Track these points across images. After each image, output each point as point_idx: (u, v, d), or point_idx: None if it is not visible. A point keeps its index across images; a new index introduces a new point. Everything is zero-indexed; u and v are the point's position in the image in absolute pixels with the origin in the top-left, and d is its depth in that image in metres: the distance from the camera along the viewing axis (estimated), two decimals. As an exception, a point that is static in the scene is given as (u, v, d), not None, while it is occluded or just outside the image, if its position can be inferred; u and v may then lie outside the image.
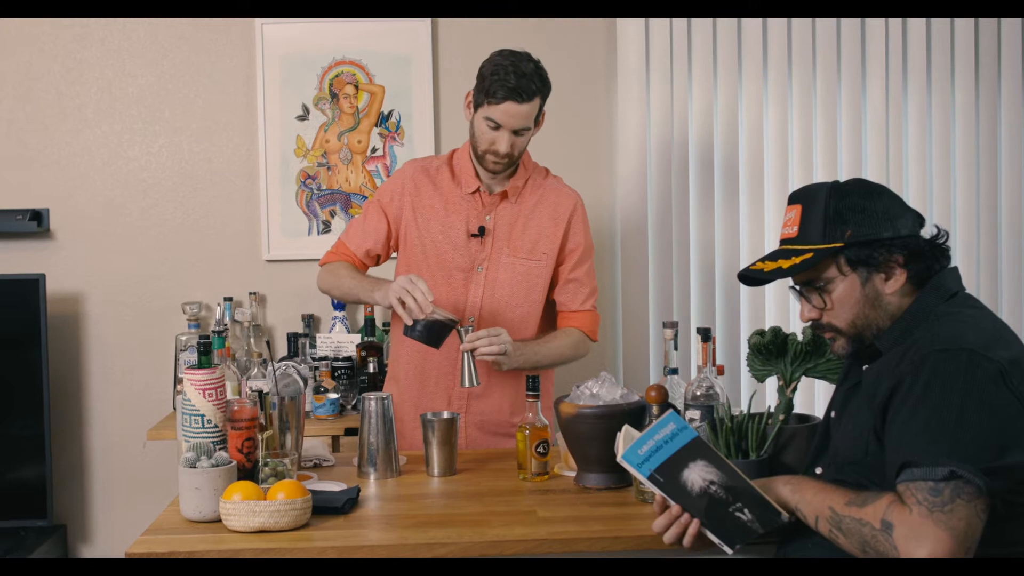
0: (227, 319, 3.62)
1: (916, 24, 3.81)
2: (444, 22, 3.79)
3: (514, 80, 2.65)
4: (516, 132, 2.70)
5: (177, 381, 3.57)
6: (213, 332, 3.36)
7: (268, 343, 3.52)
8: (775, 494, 1.87)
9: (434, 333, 2.62)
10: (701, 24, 3.77)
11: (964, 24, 3.83)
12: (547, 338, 2.86)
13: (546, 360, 2.83)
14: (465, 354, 2.65)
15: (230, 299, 3.67)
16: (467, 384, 2.66)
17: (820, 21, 3.79)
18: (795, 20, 3.78)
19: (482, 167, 2.80)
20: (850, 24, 3.80)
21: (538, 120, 2.77)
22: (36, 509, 3.55)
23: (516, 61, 2.68)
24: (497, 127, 2.70)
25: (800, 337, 2.22)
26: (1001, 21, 3.83)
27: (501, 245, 2.83)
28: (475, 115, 2.74)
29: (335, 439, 3.29)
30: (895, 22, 3.80)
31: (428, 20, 3.76)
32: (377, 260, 2.94)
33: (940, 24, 3.82)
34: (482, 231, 2.81)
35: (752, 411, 2.18)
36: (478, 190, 2.83)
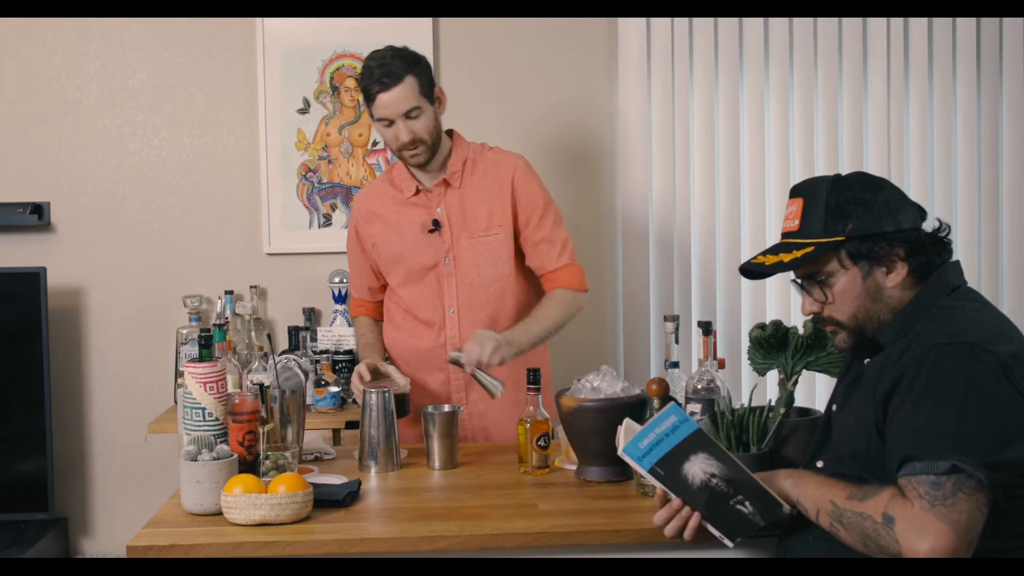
0: (228, 312, 3.62)
1: (917, 20, 3.81)
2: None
3: (377, 72, 2.70)
4: (407, 116, 2.72)
5: (178, 374, 3.57)
6: (214, 325, 3.35)
7: (269, 336, 3.52)
8: (776, 488, 1.87)
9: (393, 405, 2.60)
10: (702, 20, 3.77)
11: (966, 20, 3.82)
12: (533, 314, 2.85)
13: (542, 332, 2.81)
14: (474, 373, 2.64)
15: (231, 292, 3.67)
16: (497, 395, 2.64)
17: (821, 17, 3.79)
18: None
19: (409, 165, 2.84)
20: (851, 19, 3.79)
21: (432, 96, 2.78)
22: (37, 502, 3.55)
23: (377, 57, 2.74)
24: (389, 123, 2.73)
25: (801, 330, 2.22)
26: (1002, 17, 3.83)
27: (459, 232, 2.84)
28: (375, 124, 2.79)
29: (336, 432, 3.29)
30: (896, 18, 3.80)
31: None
32: (384, 289, 3.02)
33: (942, 20, 3.81)
34: (437, 224, 2.83)
35: (753, 404, 2.19)
36: (418, 190, 2.85)
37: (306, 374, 3.32)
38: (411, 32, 3.73)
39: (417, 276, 2.86)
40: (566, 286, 2.88)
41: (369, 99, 2.73)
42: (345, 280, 3.68)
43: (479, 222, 2.84)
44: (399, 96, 2.70)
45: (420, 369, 2.89)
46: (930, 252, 1.90)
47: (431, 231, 2.83)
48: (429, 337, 2.87)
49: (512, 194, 2.85)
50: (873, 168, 3.76)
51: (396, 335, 2.94)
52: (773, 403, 2.18)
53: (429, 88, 2.76)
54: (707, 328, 2.43)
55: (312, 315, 3.75)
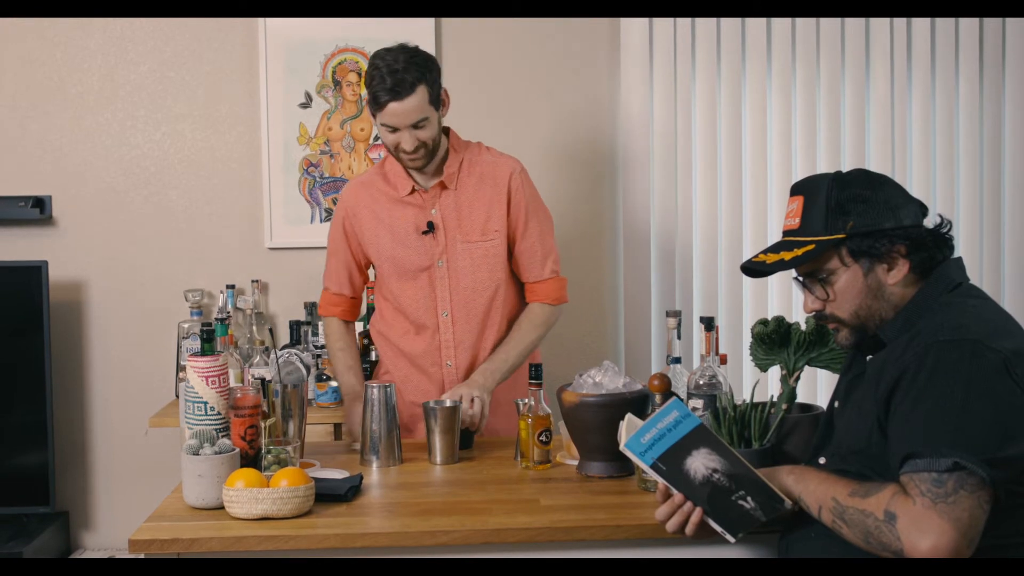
0: (229, 307, 3.62)
1: (920, 19, 3.80)
2: (447, 10, 3.79)
3: (389, 81, 2.61)
4: (416, 126, 2.66)
5: (180, 368, 3.57)
6: (216, 320, 3.35)
7: (270, 331, 3.52)
8: (778, 484, 1.87)
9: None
10: (705, 19, 3.77)
11: (968, 19, 3.82)
12: (511, 338, 2.84)
13: (520, 358, 2.82)
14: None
15: (232, 287, 3.68)
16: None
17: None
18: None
19: (404, 167, 2.78)
20: (854, 19, 3.79)
21: (439, 102, 2.71)
22: (38, 496, 3.55)
23: (389, 60, 2.63)
24: (395, 129, 2.67)
25: (803, 326, 2.22)
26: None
27: (453, 234, 2.80)
28: (376, 123, 2.72)
29: (337, 427, 3.30)
30: (899, 18, 3.80)
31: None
32: (365, 282, 2.98)
33: (944, 19, 3.81)
34: (431, 226, 2.79)
35: (755, 400, 2.19)
36: (414, 189, 2.81)
37: (308, 369, 3.32)
38: (413, 30, 3.74)
39: (409, 276, 2.82)
40: (544, 300, 2.88)
41: (377, 104, 2.64)
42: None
43: (475, 226, 2.80)
44: (410, 107, 2.62)
45: (413, 370, 2.88)
46: (931, 249, 1.90)
47: (425, 233, 2.80)
48: (422, 340, 2.85)
49: (508, 198, 2.81)
50: (876, 166, 3.76)
51: (388, 334, 2.91)
52: (775, 399, 2.18)
53: (437, 94, 2.69)
54: (709, 324, 2.44)
55: (313, 309, 3.75)
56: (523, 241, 2.84)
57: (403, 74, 2.61)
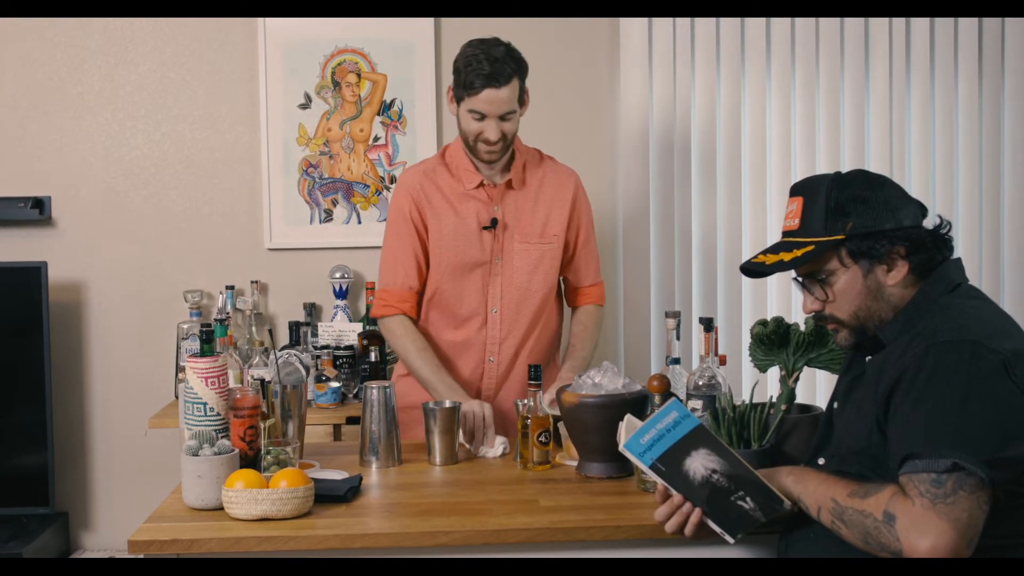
0: (229, 307, 3.62)
1: (919, 19, 3.80)
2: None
3: (488, 67, 2.64)
4: (502, 117, 2.70)
5: (179, 369, 3.57)
6: (215, 320, 3.35)
7: (270, 331, 3.52)
8: (778, 484, 1.87)
9: None
10: (704, 19, 3.76)
11: (968, 19, 3.82)
12: (583, 338, 2.91)
13: (592, 355, 2.93)
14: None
15: (232, 287, 3.67)
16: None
17: (824, 11, 3.79)
18: (798, 11, 3.78)
19: (477, 158, 2.79)
20: (853, 19, 3.79)
21: (522, 100, 2.76)
22: (38, 496, 3.55)
23: (486, 48, 2.67)
24: (482, 117, 2.69)
25: (802, 327, 2.22)
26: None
27: (512, 233, 2.83)
28: (459, 109, 2.74)
29: (336, 428, 3.30)
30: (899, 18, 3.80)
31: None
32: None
33: (943, 19, 3.81)
34: (494, 223, 2.81)
35: (754, 401, 2.19)
36: (482, 183, 2.82)
37: (307, 369, 3.32)
38: (413, 30, 3.74)
39: (465, 269, 2.82)
40: (598, 303, 3.00)
41: (470, 89, 2.66)
42: (346, 275, 3.68)
43: (534, 228, 2.84)
44: (504, 97, 2.66)
45: (448, 359, 2.86)
46: (931, 250, 1.90)
47: (486, 228, 2.81)
48: (462, 333, 2.85)
49: (572, 206, 2.88)
50: (875, 166, 3.76)
51: (423, 325, 2.88)
52: (774, 400, 2.19)
53: (523, 94, 2.75)
54: (708, 324, 2.43)
55: (313, 310, 3.75)
56: (585, 247, 2.94)
57: (502, 64, 2.66)
